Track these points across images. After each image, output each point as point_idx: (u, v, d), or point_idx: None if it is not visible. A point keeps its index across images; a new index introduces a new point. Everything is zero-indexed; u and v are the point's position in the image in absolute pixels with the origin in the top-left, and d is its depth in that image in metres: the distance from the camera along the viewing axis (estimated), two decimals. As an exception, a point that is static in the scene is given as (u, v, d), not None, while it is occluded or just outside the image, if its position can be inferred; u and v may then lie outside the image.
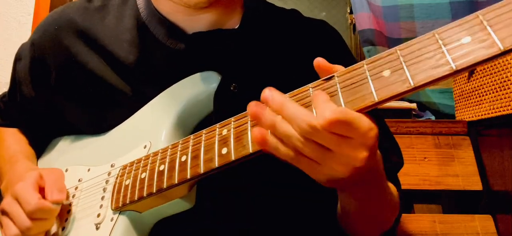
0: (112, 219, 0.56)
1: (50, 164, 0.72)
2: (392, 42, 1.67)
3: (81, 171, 0.65)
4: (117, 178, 0.59)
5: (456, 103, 1.28)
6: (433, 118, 1.53)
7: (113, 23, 0.67)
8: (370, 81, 0.40)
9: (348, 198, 0.53)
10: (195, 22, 0.65)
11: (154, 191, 0.52)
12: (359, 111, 0.39)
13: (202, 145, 0.50)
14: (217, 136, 0.49)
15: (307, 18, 0.77)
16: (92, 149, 0.68)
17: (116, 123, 0.66)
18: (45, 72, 0.69)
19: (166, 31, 0.65)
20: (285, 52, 0.69)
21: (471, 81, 1.17)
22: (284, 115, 0.41)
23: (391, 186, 0.62)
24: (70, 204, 0.62)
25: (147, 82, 0.64)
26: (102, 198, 0.59)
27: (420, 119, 1.46)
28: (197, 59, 0.64)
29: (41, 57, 0.69)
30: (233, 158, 0.46)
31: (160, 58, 0.64)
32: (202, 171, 0.48)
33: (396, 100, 0.38)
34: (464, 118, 1.19)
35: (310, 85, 0.45)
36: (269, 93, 0.42)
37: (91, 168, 0.65)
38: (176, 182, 0.50)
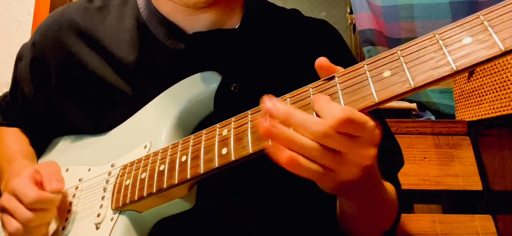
0: (112, 219, 0.56)
1: (50, 164, 0.72)
2: (392, 42, 1.67)
3: (82, 171, 0.65)
4: (117, 178, 0.59)
5: (456, 103, 1.28)
6: (433, 118, 1.53)
7: (114, 24, 0.67)
8: (370, 81, 0.40)
9: (348, 202, 0.53)
10: (195, 22, 0.65)
11: (154, 191, 0.52)
12: (360, 111, 0.39)
13: (202, 145, 0.50)
14: (217, 136, 0.49)
15: (308, 18, 0.77)
16: (92, 149, 0.68)
17: (116, 123, 0.66)
18: (46, 72, 0.69)
19: (166, 31, 0.65)
20: (286, 52, 0.69)
21: (471, 81, 1.17)
22: (293, 124, 0.40)
23: (390, 186, 0.62)
24: (70, 204, 0.62)
25: (147, 82, 0.64)
26: (103, 198, 0.59)
27: (420, 119, 1.46)
28: (197, 59, 0.64)
29: (42, 57, 0.69)
30: (233, 158, 0.46)
31: (160, 58, 0.64)
32: (202, 171, 0.48)
33: (396, 100, 0.38)
34: (464, 118, 1.19)
35: (310, 85, 0.45)
36: (271, 104, 0.41)
37: (91, 168, 0.65)
38: (176, 182, 0.50)
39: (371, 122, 0.39)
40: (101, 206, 0.58)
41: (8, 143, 0.74)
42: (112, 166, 0.62)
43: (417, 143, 1.14)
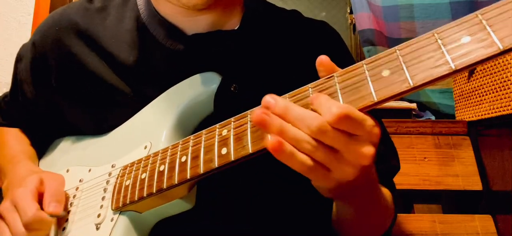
0: (112, 219, 0.56)
1: (51, 164, 0.72)
2: (392, 42, 1.67)
3: (82, 172, 0.65)
4: (117, 178, 0.59)
5: (456, 103, 1.28)
6: (433, 118, 1.54)
7: (114, 24, 0.67)
8: (369, 81, 0.40)
9: (345, 206, 0.53)
10: (195, 23, 0.65)
11: (154, 191, 0.52)
12: (359, 110, 0.39)
13: (202, 146, 0.50)
14: (217, 136, 0.49)
15: (308, 19, 0.77)
16: (93, 149, 0.68)
17: (116, 124, 0.66)
18: (46, 73, 0.69)
19: (166, 32, 0.65)
20: (285, 53, 0.69)
21: (471, 81, 1.17)
22: (290, 118, 0.40)
23: (385, 190, 0.62)
24: (70, 204, 0.62)
25: (147, 83, 0.64)
26: (103, 198, 0.59)
27: (420, 119, 1.46)
28: (197, 60, 0.64)
29: (42, 57, 0.69)
30: (232, 158, 0.46)
31: (160, 59, 0.65)
32: (202, 172, 0.48)
33: (396, 100, 0.38)
34: (464, 118, 1.19)
35: (309, 85, 0.45)
36: (271, 98, 0.41)
37: (92, 168, 0.65)
38: (176, 182, 0.50)
39: (370, 121, 0.39)
40: (101, 206, 0.58)
41: (9, 143, 0.74)
42: (112, 166, 0.62)
43: (417, 143, 1.14)
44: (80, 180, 0.64)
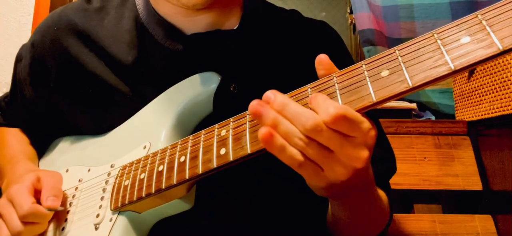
0: (111, 220, 0.56)
1: (51, 164, 0.72)
2: (392, 42, 1.67)
3: (82, 171, 0.65)
4: (116, 178, 0.59)
5: (456, 103, 1.28)
6: (433, 118, 1.53)
7: (112, 24, 0.67)
8: (368, 81, 0.40)
9: (340, 206, 0.53)
10: (194, 23, 0.65)
11: (153, 191, 0.52)
12: (358, 111, 0.39)
13: (201, 146, 0.50)
14: (215, 136, 0.49)
15: (307, 19, 0.77)
16: (92, 149, 0.68)
17: (116, 124, 0.66)
18: (45, 73, 0.69)
19: (165, 32, 0.65)
20: (285, 53, 0.69)
21: (471, 81, 1.17)
22: (287, 114, 0.40)
23: (382, 193, 0.62)
24: (70, 204, 0.62)
25: (146, 83, 0.64)
26: (102, 198, 0.59)
27: (420, 119, 1.46)
28: (196, 60, 0.64)
29: (41, 57, 0.69)
30: (231, 158, 0.46)
31: (159, 59, 0.64)
32: (200, 172, 0.48)
33: (395, 100, 0.38)
34: (464, 118, 1.19)
35: (308, 85, 0.45)
36: (271, 93, 0.41)
37: (91, 168, 0.65)
38: (174, 182, 0.50)
39: (366, 123, 0.39)
40: (100, 206, 0.58)
41: (9, 143, 0.74)
42: (111, 166, 0.62)
43: (417, 143, 1.14)
44: (79, 180, 0.64)
